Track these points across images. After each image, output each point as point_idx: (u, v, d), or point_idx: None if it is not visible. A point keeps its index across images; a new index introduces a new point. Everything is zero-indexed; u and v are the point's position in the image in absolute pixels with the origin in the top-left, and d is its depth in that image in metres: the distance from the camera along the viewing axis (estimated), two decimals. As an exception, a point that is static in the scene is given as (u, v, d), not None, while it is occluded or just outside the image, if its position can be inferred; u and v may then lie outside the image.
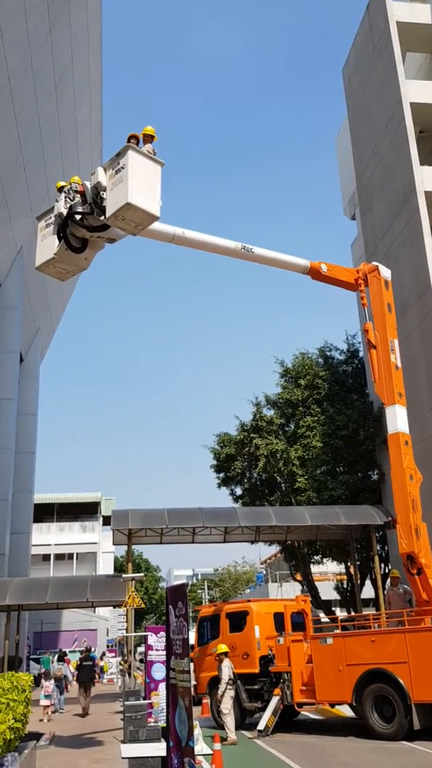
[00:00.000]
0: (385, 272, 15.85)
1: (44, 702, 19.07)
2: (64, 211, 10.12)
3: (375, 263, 16.14)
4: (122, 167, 9.09)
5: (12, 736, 8.20)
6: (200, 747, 5.36)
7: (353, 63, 30.51)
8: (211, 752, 7.78)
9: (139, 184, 9.02)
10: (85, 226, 10.11)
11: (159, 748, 8.28)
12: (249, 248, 13.35)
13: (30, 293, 34.41)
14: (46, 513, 60.16)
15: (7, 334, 30.21)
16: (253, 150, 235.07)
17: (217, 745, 8.28)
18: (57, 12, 26.65)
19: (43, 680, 19.90)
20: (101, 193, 9.62)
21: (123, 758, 8.39)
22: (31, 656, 38.17)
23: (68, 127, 32.22)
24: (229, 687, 13.90)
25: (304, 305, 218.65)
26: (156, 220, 9.45)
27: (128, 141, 9.56)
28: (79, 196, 10.03)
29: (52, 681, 20.48)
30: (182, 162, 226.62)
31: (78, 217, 9.99)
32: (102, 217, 9.63)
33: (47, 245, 10.61)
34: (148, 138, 10.03)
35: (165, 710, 13.33)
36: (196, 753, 4.82)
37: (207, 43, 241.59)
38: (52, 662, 26.56)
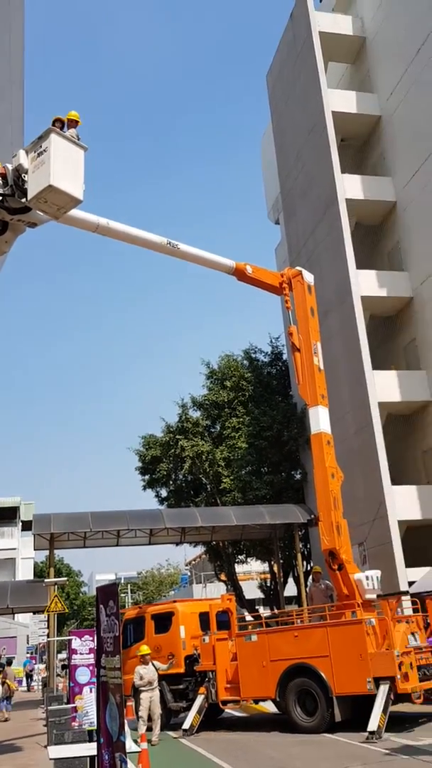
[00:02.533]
0: (308, 277, 16.25)
1: None
2: None
3: (299, 268, 16.52)
4: (44, 150, 9.09)
5: None
6: (128, 745, 5.38)
7: (277, 70, 31.11)
8: (138, 750, 7.79)
9: (62, 167, 9.04)
10: (5, 208, 9.98)
11: (87, 748, 8.21)
12: (174, 244, 13.35)
13: None
14: (-38, 519, 58.38)
15: None
16: (178, 150, 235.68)
17: (144, 744, 8.31)
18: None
19: None
20: (23, 175, 9.55)
21: (51, 759, 8.27)
22: None
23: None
24: (143, 690, 13.69)
25: (229, 307, 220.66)
26: (79, 203, 9.46)
27: (53, 124, 9.55)
28: (0, 178, 9.87)
29: None
30: (105, 161, 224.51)
31: None
32: (24, 200, 9.57)
33: None
34: (73, 123, 10.05)
35: (89, 714, 13.27)
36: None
37: (130, 42, 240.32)
38: None
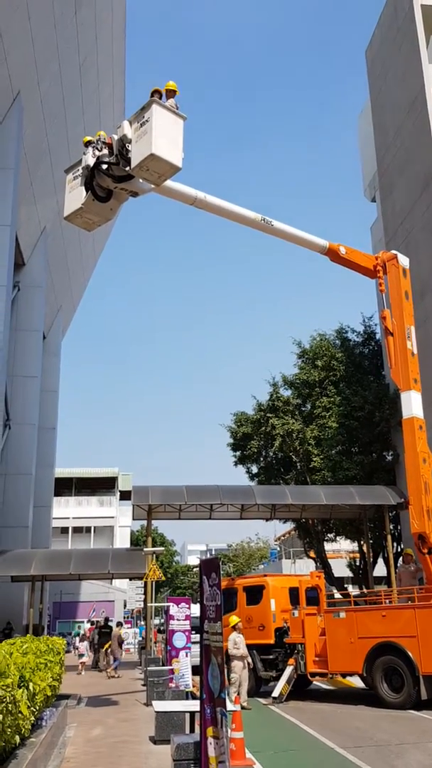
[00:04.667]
0: (404, 260, 16.21)
1: (82, 660, 24.43)
2: (92, 163, 10.57)
3: (394, 251, 16.50)
4: (147, 120, 9.56)
5: (50, 693, 8.95)
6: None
7: (377, 45, 30.44)
8: (232, 710, 8.46)
9: (163, 136, 9.49)
10: (111, 176, 10.57)
11: (188, 705, 8.99)
12: (268, 221, 13.53)
13: (53, 272, 34.99)
14: (64, 487, 61.44)
15: (31, 313, 30.86)
16: (273, 126, 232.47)
17: (237, 706, 8.98)
18: (82, -7, 26.86)
19: (77, 642, 24.16)
20: (126, 145, 10.04)
21: (156, 711, 9.10)
22: (52, 630, 39.91)
23: (92, 107, 32.51)
24: (236, 657, 14.33)
25: (319, 286, 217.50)
26: (178, 170, 9.90)
27: (152, 96, 9.92)
28: (106, 148, 10.48)
29: (85, 643, 25.27)
30: (201, 136, 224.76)
31: (104, 167, 10.44)
32: (127, 168, 10.07)
33: (75, 196, 11.00)
34: (171, 93, 10.35)
35: (184, 676, 14.18)
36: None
37: (228, 21, 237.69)
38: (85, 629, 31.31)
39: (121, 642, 24.89)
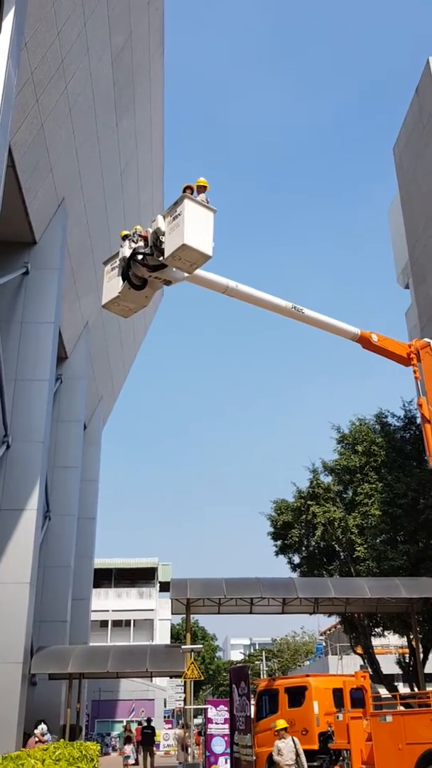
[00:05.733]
0: (437, 348, 16.27)
1: (128, 761, 25.57)
2: (128, 254, 11.22)
3: (427, 339, 16.61)
4: (179, 214, 10.21)
5: (81, 804, 8.62)
6: None
7: (404, 142, 31.71)
8: None
9: (194, 227, 10.08)
10: (146, 265, 11.12)
11: None
12: (299, 308, 13.77)
13: (94, 364, 35.95)
14: (103, 578, 60.57)
15: (72, 404, 31.52)
16: (305, 217, 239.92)
17: None
18: (123, 106, 28.86)
19: (122, 744, 24.89)
20: (160, 237, 10.68)
21: None
22: (90, 731, 38.59)
23: (132, 210, 34.23)
24: (287, 764, 13.47)
25: (359, 370, 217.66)
26: (209, 259, 10.41)
27: (183, 191, 10.62)
28: (142, 240, 11.10)
29: (131, 746, 26.20)
30: (237, 226, 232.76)
31: (140, 257, 11.01)
32: (161, 258, 10.64)
33: (113, 286, 11.73)
34: (202, 189, 10.98)
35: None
36: None
37: (258, 121, 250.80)
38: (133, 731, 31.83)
39: (185, 746, 23.45)
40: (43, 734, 23.70)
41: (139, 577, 65.35)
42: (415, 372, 16.52)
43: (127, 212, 33.33)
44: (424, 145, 28.61)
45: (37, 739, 21.57)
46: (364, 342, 15.38)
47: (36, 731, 23.47)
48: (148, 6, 28.55)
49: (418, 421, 31.08)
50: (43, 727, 24.76)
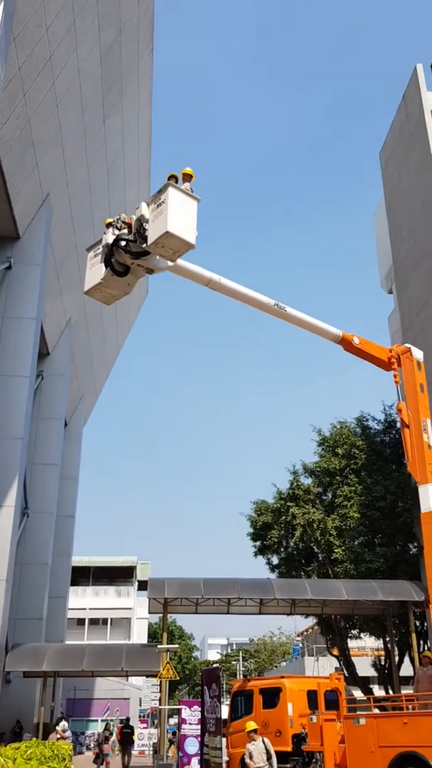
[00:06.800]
0: (418, 354, 16.34)
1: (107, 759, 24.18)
2: (111, 240, 11.17)
3: (407, 345, 16.66)
4: (163, 201, 10.19)
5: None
6: None
7: (390, 147, 31.88)
8: None
9: (178, 215, 10.06)
10: (129, 252, 11.10)
11: None
12: (282, 306, 13.69)
13: (77, 361, 35.79)
14: (81, 576, 60.28)
15: (53, 401, 31.39)
16: (291, 218, 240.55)
17: None
18: (111, 103, 28.77)
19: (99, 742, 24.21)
20: (144, 224, 10.63)
21: None
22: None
23: (117, 207, 34.10)
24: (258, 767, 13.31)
25: (341, 373, 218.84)
26: (192, 248, 10.40)
27: (168, 180, 10.59)
28: (126, 227, 11.08)
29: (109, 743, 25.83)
30: (219, 231, 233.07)
31: (123, 244, 11.01)
32: (144, 245, 10.63)
33: (95, 272, 11.58)
34: (187, 177, 10.90)
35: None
36: None
37: (245, 122, 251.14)
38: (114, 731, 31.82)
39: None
40: (64, 730, 23.85)
41: (118, 575, 65.13)
42: (395, 377, 16.59)
43: (112, 209, 33.19)
44: (410, 151, 28.80)
45: (59, 736, 21.52)
46: (346, 344, 15.39)
47: (58, 728, 23.66)
48: (138, 4, 28.48)
49: (398, 425, 31.33)
50: (64, 723, 24.98)
